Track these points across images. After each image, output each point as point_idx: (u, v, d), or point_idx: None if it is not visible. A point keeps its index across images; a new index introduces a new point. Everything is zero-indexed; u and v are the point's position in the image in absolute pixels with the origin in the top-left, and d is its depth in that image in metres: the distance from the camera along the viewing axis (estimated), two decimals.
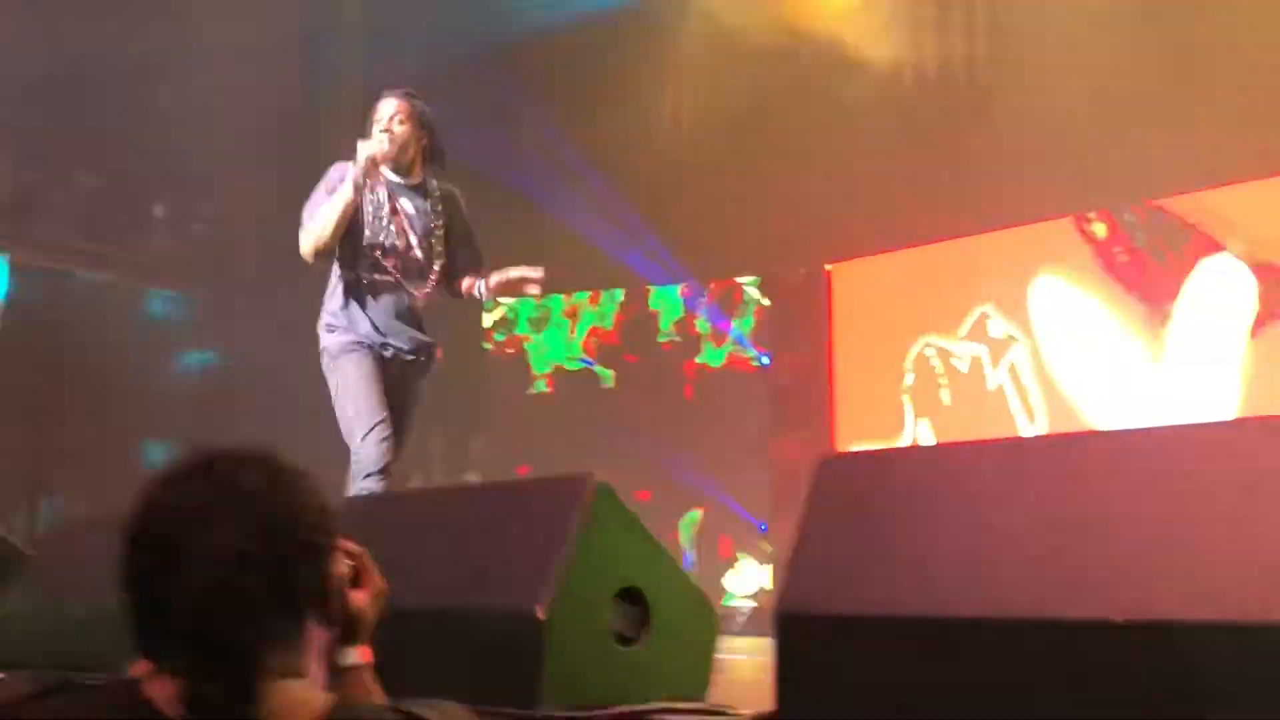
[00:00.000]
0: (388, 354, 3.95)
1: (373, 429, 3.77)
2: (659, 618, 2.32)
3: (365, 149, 3.89)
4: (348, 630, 1.55)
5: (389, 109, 4.00)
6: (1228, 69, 5.96)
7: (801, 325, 7.96)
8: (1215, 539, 1.61)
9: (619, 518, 2.33)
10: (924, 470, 1.93)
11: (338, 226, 3.88)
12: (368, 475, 3.73)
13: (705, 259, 8.09)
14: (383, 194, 4.00)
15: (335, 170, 3.97)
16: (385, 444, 3.77)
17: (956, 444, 1.94)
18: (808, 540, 1.99)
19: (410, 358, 4.01)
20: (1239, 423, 1.69)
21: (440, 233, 4.09)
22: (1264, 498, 1.60)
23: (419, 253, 4.03)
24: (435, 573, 2.38)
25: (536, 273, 4.05)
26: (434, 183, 4.13)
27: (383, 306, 3.97)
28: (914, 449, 1.94)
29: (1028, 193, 6.61)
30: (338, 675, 1.53)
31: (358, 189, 3.88)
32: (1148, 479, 1.69)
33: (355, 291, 3.97)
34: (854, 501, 1.98)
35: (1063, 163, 6.43)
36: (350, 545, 1.54)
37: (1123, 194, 6.53)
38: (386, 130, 3.97)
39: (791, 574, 1.94)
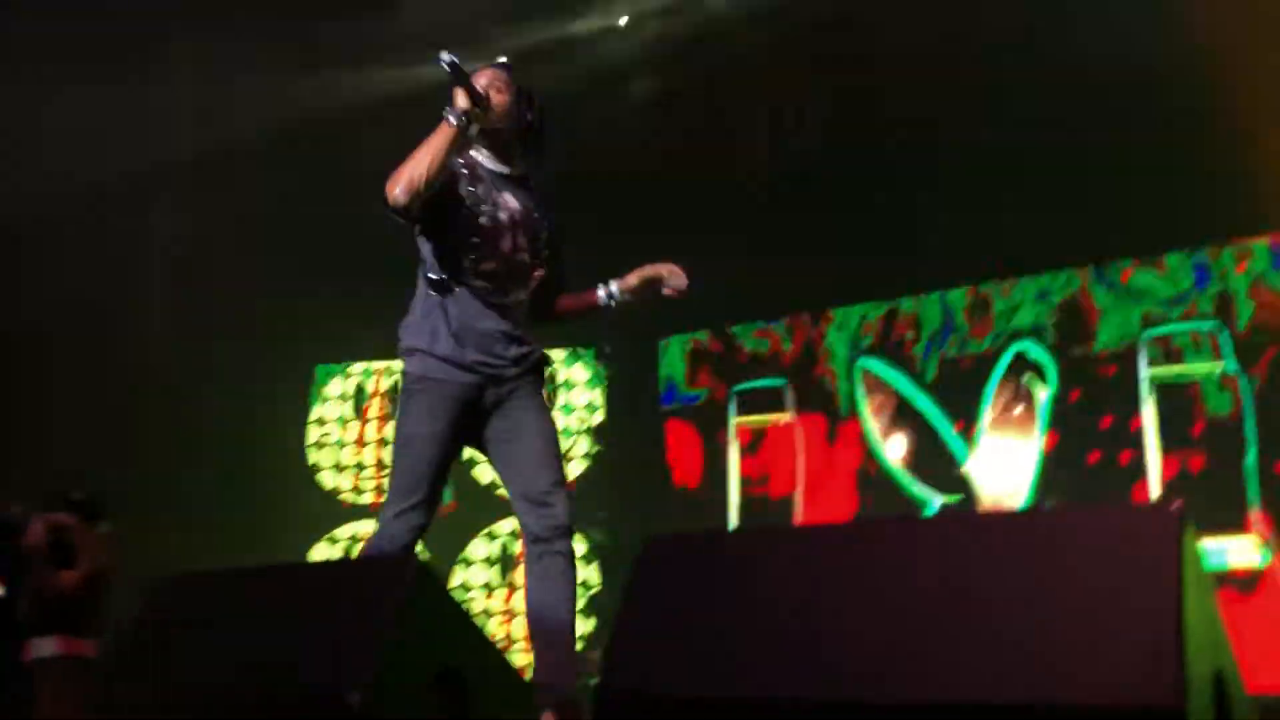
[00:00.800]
0: (475, 379, 3.33)
1: (405, 510, 3.27)
2: (477, 702, 2.28)
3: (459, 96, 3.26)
4: (44, 615, 1.31)
5: (484, 78, 3.39)
6: None
7: None
8: (1020, 621, 1.68)
9: (438, 599, 2.29)
10: (750, 552, 1.96)
11: (440, 164, 3.19)
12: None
13: None
14: (485, 186, 3.39)
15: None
16: (411, 535, 3.26)
17: (784, 527, 1.98)
18: (632, 619, 1.99)
19: (513, 372, 3.38)
20: (1047, 510, 1.77)
21: (546, 236, 3.50)
22: (1060, 584, 1.69)
23: (526, 255, 3.42)
24: (250, 656, 2.29)
25: (679, 273, 3.49)
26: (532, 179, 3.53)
27: (476, 318, 3.34)
28: (741, 532, 1.98)
29: None
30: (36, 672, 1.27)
31: (461, 127, 3.20)
32: (965, 563, 1.76)
33: (443, 297, 3.33)
34: (679, 581, 1.99)
35: None
36: (59, 517, 1.33)
37: None
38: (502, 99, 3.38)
39: (614, 652, 1.94)
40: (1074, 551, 1.70)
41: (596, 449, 7.69)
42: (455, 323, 3.32)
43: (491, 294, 3.39)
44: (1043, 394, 6.45)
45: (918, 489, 6.59)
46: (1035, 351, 6.52)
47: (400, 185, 3.19)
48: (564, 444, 7.69)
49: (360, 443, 7.90)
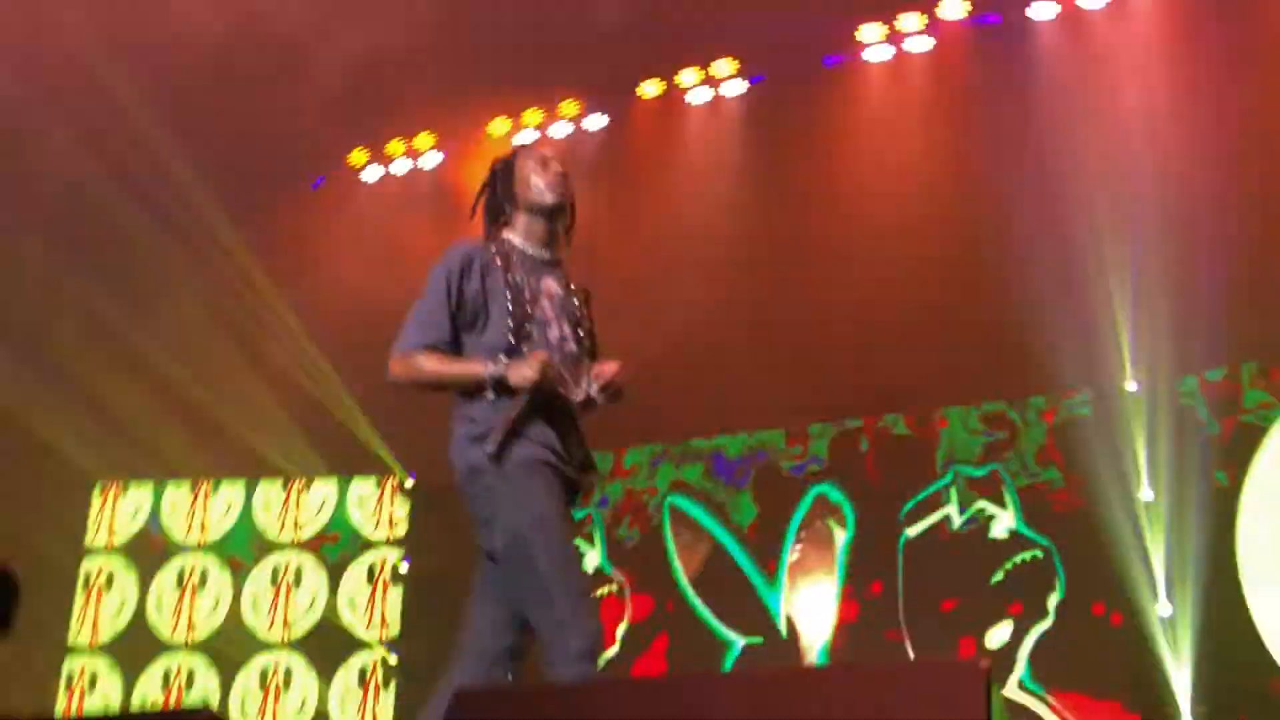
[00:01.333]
0: (569, 474, 2.88)
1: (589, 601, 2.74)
2: None
3: (529, 367, 2.86)
4: None
5: (550, 149, 3.19)
6: None
7: None
8: None
9: None
10: (561, 708, 1.89)
11: (438, 389, 2.92)
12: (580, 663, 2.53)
13: None
14: (523, 273, 2.98)
15: (456, 258, 2.96)
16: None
17: (595, 681, 1.90)
18: None
19: (588, 481, 2.95)
20: (855, 667, 1.78)
21: (587, 325, 3.11)
22: None
23: (573, 345, 3.00)
24: None
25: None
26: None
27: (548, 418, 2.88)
28: (550, 686, 1.90)
29: None
30: None
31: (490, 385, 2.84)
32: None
33: (499, 399, 2.83)
34: None
35: None
36: None
37: None
38: (559, 173, 3.07)
39: None
40: (881, 709, 1.72)
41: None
42: (539, 423, 2.84)
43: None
44: (841, 536, 6.64)
45: (723, 630, 6.61)
46: (834, 494, 6.72)
47: (402, 377, 2.91)
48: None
49: None
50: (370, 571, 7.55)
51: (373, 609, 7.42)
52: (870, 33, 7.29)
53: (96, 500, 7.73)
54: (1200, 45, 6.36)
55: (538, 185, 3.05)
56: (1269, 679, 5.49)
